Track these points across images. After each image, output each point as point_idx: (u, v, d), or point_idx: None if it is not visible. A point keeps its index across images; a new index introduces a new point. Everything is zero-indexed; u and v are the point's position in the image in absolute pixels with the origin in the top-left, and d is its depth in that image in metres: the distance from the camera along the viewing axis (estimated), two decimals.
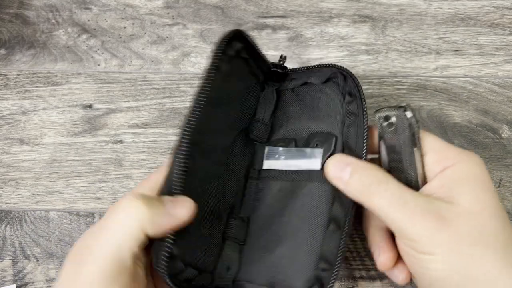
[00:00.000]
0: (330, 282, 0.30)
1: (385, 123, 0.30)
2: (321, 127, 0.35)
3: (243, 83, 0.36)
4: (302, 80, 0.36)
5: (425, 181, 0.29)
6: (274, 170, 0.35)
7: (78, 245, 0.26)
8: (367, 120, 0.31)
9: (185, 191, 0.27)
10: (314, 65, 0.35)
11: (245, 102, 0.36)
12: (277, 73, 0.37)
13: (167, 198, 0.27)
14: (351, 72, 0.33)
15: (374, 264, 0.37)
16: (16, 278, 0.37)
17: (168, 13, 0.46)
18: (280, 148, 0.36)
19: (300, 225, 0.33)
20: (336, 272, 0.30)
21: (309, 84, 0.36)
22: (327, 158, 0.33)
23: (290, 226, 0.33)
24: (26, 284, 0.37)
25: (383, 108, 0.30)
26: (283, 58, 0.37)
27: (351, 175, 0.29)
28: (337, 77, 0.34)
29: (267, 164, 0.36)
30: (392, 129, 0.30)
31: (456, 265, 0.25)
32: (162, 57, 0.44)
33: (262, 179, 0.36)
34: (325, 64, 0.35)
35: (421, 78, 0.43)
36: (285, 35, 0.45)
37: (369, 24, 0.45)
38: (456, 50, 0.44)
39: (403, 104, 0.30)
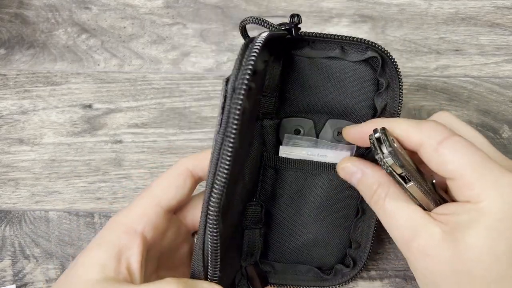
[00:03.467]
0: (362, 259, 0.33)
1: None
2: (344, 108, 0.32)
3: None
4: (326, 53, 0.31)
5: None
6: (292, 158, 0.34)
7: None
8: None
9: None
10: (343, 36, 0.30)
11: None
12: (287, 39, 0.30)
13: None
14: (392, 57, 0.29)
15: (374, 264, 0.37)
16: (16, 278, 0.37)
17: (168, 13, 0.46)
18: (299, 136, 0.34)
19: (325, 213, 0.34)
20: (369, 251, 0.33)
21: (335, 58, 0.31)
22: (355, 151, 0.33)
23: (314, 214, 0.34)
24: (25, 284, 0.36)
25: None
26: (295, 19, 0.29)
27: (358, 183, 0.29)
28: (374, 59, 0.31)
29: (285, 150, 0.34)
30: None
31: None
32: (162, 56, 0.44)
33: (279, 167, 0.34)
34: (360, 39, 0.29)
35: (421, 78, 0.43)
36: None
37: (370, 23, 0.45)
38: (457, 50, 0.44)
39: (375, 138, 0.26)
